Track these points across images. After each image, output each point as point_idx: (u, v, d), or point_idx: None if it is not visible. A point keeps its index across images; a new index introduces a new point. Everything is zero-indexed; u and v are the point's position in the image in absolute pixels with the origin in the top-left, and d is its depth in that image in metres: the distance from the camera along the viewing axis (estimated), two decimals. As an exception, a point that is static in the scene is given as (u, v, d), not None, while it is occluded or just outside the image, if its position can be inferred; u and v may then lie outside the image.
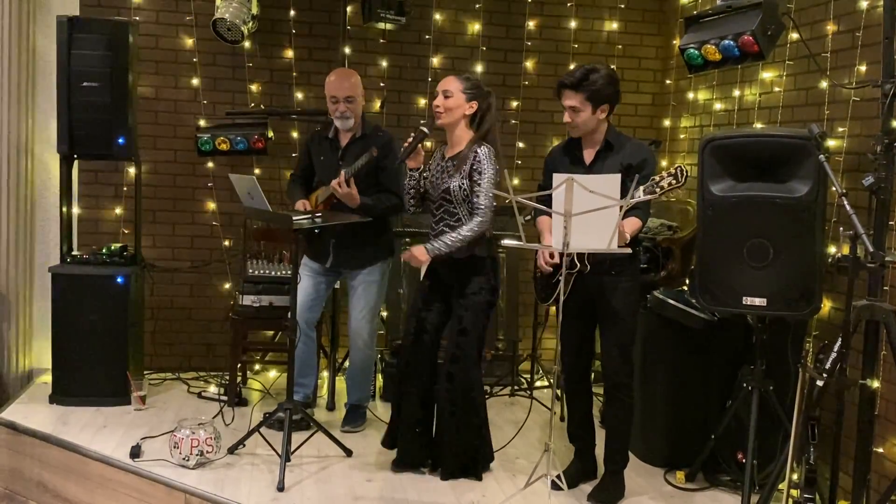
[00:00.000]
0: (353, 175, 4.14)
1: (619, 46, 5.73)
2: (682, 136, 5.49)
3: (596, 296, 3.62)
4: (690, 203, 4.69)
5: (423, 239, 3.87)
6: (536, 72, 5.69)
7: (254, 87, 5.42)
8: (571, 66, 5.25)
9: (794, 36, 4.09)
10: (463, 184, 3.72)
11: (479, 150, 3.71)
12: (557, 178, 3.26)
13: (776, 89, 4.40)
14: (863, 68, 3.73)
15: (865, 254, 2.86)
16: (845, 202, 2.87)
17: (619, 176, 3.26)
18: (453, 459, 3.88)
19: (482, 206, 3.69)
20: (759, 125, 4.52)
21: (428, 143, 4.65)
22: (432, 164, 3.92)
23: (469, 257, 3.76)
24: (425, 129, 3.83)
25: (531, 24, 5.64)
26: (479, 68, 5.57)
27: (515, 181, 5.60)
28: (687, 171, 3.31)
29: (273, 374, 5.37)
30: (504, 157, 5.45)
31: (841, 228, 3.29)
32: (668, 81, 5.71)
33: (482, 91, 3.80)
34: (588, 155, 3.66)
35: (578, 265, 3.51)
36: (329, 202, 4.35)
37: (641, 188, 3.34)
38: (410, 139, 3.81)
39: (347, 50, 5.40)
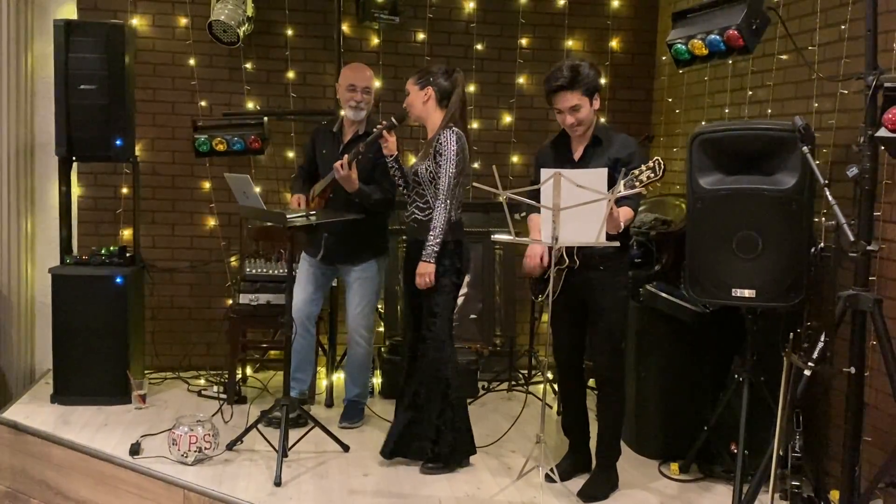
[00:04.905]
0: (355, 159, 4.20)
1: (613, 43, 5.77)
2: (676, 132, 5.52)
3: (585, 292, 3.65)
4: (684, 198, 4.72)
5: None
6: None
7: (250, 88, 5.47)
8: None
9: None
10: (429, 166, 3.87)
11: (443, 133, 3.85)
12: (545, 173, 3.30)
13: (767, 83, 4.43)
14: (850, 61, 3.76)
15: (847, 243, 2.90)
16: (828, 193, 2.90)
17: (605, 170, 3.29)
18: (419, 442, 3.94)
19: (442, 190, 3.83)
20: (749, 119, 4.54)
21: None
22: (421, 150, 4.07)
23: None
24: (394, 121, 4.00)
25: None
26: (471, 88, 5.59)
27: (514, 158, 5.65)
28: (664, 164, 3.34)
29: (272, 371, 5.42)
30: (499, 153, 5.64)
31: (823, 219, 3.32)
32: (662, 77, 5.74)
33: (431, 73, 3.96)
34: (577, 150, 3.69)
35: (567, 261, 3.55)
36: (326, 193, 4.42)
37: (622, 182, 3.38)
38: (375, 129, 4.00)
39: (343, 50, 5.44)
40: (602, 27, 5.78)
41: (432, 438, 3.91)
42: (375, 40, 5.58)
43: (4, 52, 4.92)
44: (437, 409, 3.88)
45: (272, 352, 5.39)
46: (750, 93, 4.59)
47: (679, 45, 4.04)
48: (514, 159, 5.73)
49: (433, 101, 3.94)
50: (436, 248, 3.82)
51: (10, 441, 4.37)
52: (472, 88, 5.54)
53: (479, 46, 5.66)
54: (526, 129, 5.75)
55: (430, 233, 3.82)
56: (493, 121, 5.74)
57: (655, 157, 3.34)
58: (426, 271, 3.83)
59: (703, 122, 4.99)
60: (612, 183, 3.30)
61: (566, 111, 3.58)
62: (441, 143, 3.83)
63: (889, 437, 3.46)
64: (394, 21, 5.30)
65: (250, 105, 5.48)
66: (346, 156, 4.20)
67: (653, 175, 3.31)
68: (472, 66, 5.62)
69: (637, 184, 3.33)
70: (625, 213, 3.44)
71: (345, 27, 5.48)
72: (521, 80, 5.71)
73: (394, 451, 4.01)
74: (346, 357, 4.83)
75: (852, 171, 3.07)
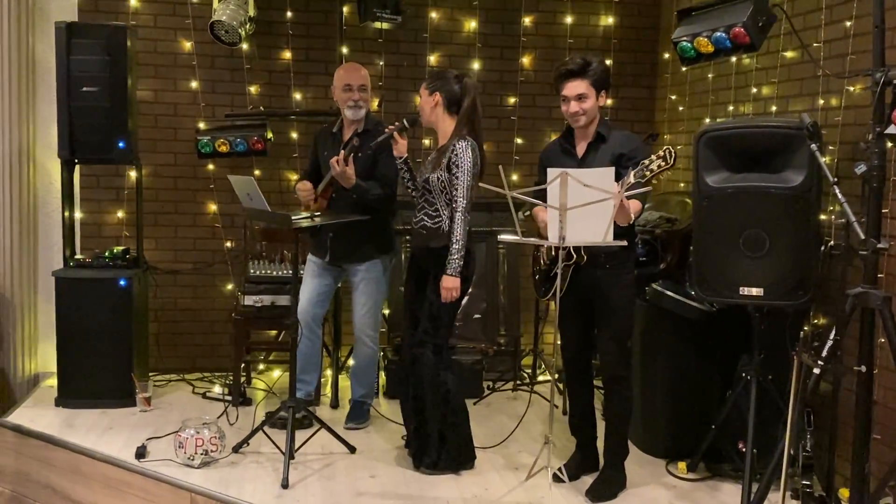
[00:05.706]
0: (351, 154, 4.19)
1: (615, 41, 5.75)
2: (680, 129, 5.50)
3: (591, 290, 3.64)
4: (689, 196, 4.70)
5: None
6: (533, 67, 5.71)
7: (252, 89, 5.45)
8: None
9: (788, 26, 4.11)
10: (441, 175, 3.81)
11: (457, 144, 3.78)
12: (552, 172, 3.28)
13: (772, 80, 4.41)
14: (855, 57, 3.74)
15: (857, 241, 2.88)
16: (837, 190, 2.89)
17: (612, 169, 3.28)
18: (420, 447, 3.93)
19: (461, 203, 3.75)
20: (755, 116, 4.53)
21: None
22: (429, 156, 4.03)
23: (444, 247, 3.80)
24: (406, 123, 3.97)
25: (527, 20, 5.66)
26: (475, 66, 5.60)
27: (514, 177, 5.61)
28: (675, 153, 3.31)
29: (277, 373, 5.41)
30: (501, 153, 5.62)
31: (833, 216, 3.30)
32: (665, 75, 5.73)
33: (443, 78, 3.90)
34: (580, 148, 3.68)
35: (575, 256, 3.54)
36: (328, 192, 4.41)
37: (632, 172, 3.36)
38: (387, 129, 3.98)
39: (345, 50, 5.42)
40: (605, 24, 5.76)
41: (435, 444, 3.89)
42: (378, 40, 5.56)
43: (6, 55, 4.91)
44: (439, 414, 3.87)
45: (277, 353, 5.37)
46: (754, 90, 4.57)
47: (684, 43, 4.03)
48: (519, 141, 5.72)
49: (441, 106, 3.87)
50: (460, 262, 3.76)
51: (14, 445, 4.35)
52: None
53: (479, 46, 5.65)
54: (528, 128, 5.73)
55: (453, 246, 3.75)
56: (496, 120, 5.72)
57: (666, 146, 3.32)
58: (452, 286, 3.77)
59: (707, 120, 4.98)
60: (617, 179, 3.29)
61: (572, 98, 3.57)
62: (457, 155, 3.76)
63: (898, 435, 3.45)
64: (395, 20, 5.28)
65: (252, 106, 5.46)
66: (342, 152, 4.18)
67: (664, 164, 3.29)
68: (473, 65, 5.60)
69: (648, 173, 3.31)
70: (634, 205, 3.43)
71: (347, 27, 5.45)
72: (522, 79, 5.70)
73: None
74: (351, 357, 4.81)
75: (860, 169, 3.05)
